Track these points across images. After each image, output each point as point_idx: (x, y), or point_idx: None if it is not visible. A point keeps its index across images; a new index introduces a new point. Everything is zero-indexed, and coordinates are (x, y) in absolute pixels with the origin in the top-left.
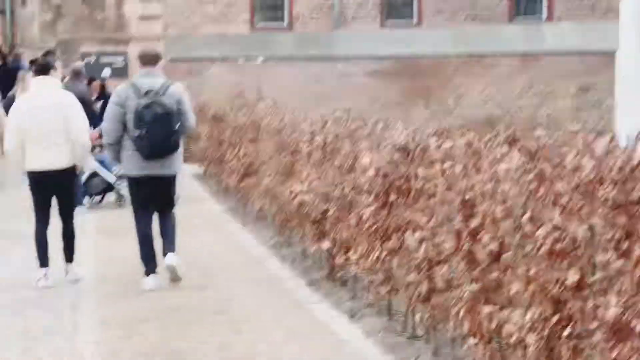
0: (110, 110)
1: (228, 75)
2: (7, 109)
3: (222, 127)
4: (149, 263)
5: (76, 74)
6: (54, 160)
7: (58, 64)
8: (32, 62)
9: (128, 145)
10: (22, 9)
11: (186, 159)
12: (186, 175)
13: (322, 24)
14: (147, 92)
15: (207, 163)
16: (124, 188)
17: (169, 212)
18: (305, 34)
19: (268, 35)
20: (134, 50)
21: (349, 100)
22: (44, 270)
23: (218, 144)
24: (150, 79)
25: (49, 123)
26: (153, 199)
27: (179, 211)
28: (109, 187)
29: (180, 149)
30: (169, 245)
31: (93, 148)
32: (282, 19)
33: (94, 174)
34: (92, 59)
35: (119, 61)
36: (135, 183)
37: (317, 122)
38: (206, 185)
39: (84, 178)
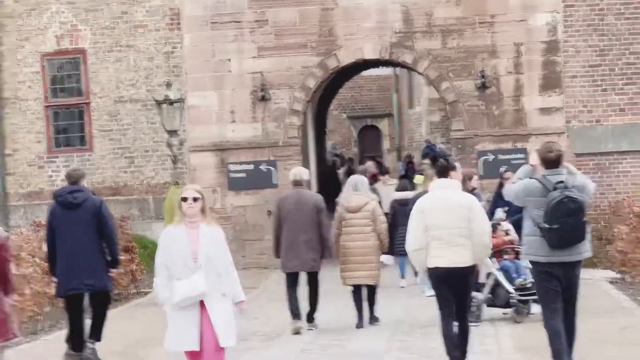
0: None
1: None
2: None
3: None
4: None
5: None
6: (456, 258)
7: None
8: (342, 159)
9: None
10: (411, 110)
11: (596, 264)
12: (600, 281)
13: None
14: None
15: (629, 268)
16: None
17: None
18: None
19: None
20: (533, 147)
21: None
22: None
23: None
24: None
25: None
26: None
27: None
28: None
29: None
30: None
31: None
32: None
33: (497, 284)
34: (491, 157)
35: (517, 158)
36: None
37: None
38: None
39: (488, 288)
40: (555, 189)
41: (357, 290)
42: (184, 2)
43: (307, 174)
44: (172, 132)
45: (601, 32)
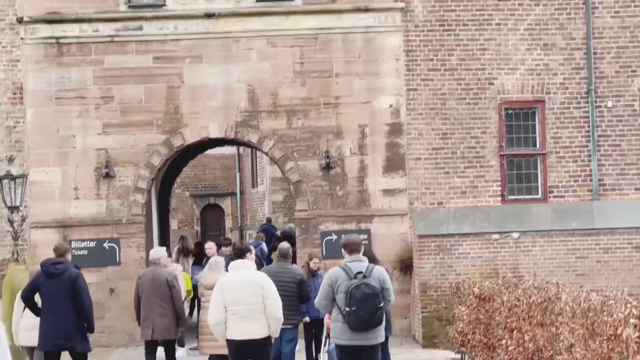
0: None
1: (480, 251)
2: None
3: (491, 308)
4: None
5: (283, 255)
6: (252, 331)
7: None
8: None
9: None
10: (254, 190)
11: (437, 344)
12: None
13: (579, 194)
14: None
15: (469, 348)
16: None
17: None
18: (562, 204)
19: (522, 207)
20: (376, 228)
21: (616, 275)
22: None
23: (485, 327)
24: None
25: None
26: None
27: None
28: None
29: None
30: None
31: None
32: (536, 191)
33: None
34: (334, 238)
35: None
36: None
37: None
38: None
39: None
40: (355, 277)
41: (214, 359)
42: (28, 76)
43: (164, 254)
44: (14, 208)
45: (444, 116)
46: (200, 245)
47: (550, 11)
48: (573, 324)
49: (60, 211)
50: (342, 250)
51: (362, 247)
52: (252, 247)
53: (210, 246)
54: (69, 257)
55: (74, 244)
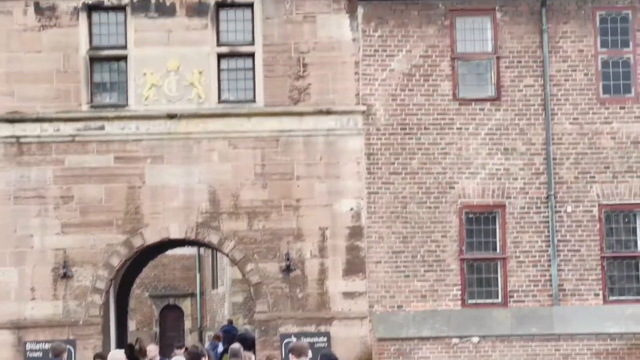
0: None
1: (440, 355)
2: None
3: None
4: None
5: (234, 355)
6: None
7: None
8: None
9: None
10: (214, 291)
11: None
12: None
13: (539, 299)
14: None
15: None
16: None
17: None
18: (522, 309)
19: (482, 311)
20: (336, 330)
21: None
22: None
23: None
24: None
25: None
26: None
27: None
28: None
29: None
30: None
31: None
32: (496, 295)
33: None
34: (293, 340)
35: (320, 341)
36: None
37: None
38: None
39: None
40: None
41: None
42: None
43: (122, 356)
44: None
45: (404, 220)
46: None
47: (510, 116)
48: None
49: (16, 312)
50: (290, 355)
51: (309, 351)
52: (206, 352)
53: (151, 349)
54: (64, 357)
55: (28, 346)
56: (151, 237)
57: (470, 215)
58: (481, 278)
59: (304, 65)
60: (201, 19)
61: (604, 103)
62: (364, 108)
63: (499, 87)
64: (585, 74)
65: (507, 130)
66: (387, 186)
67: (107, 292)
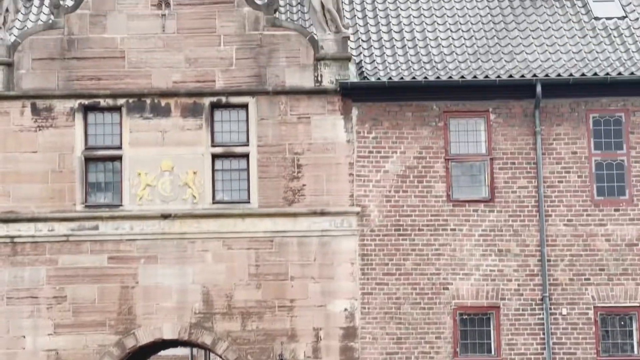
0: None
1: None
2: None
3: None
4: None
5: None
6: None
7: None
8: None
9: None
10: None
11: None
12: None
13: None
14: None
15: None
16: None
17: None
18: None
19: None
20: None
21: None
22: None
23: None
24: None
25: None
26: None
27: None
28: None
29: None
30: None
31: None
32: None
33: None
34: None
35: None
36: None
37: None
38: None
39: None
40: None
41: None
42: None
43: None
44: None
45: (398, 321)
46: None
47: (504, 218)
48: None
49: None
50: None
51: None
52: None
53: None
54: None
55: None
56: (144, 337)
57: (465, 317)
58: None
59: (299, 166)
60: (196, 119)
61: (598, 205)
62: (358, 209)
63: (492, 188)
64: (579, 176)
65: (501, 231)
66: (381, 287)
67: None
